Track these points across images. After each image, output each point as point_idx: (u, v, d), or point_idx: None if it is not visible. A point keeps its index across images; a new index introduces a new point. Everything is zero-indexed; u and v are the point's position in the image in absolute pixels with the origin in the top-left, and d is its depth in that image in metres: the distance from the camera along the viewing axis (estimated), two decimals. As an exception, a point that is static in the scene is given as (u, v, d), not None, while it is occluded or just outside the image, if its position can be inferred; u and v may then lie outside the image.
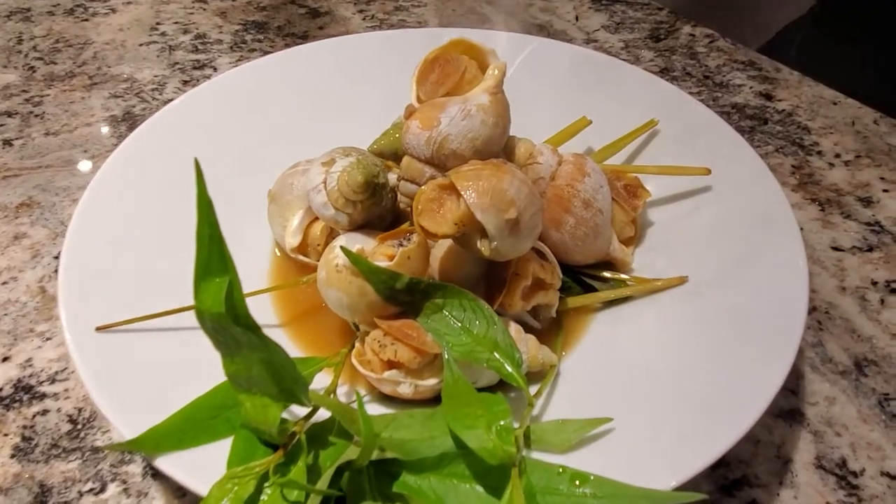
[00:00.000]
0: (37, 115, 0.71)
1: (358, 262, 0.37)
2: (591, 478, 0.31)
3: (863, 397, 0.46)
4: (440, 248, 0.43)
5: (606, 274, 0.48)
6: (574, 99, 0.57)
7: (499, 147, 0.44)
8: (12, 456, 0.42)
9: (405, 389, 0.39)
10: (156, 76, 0.77)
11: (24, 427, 0.43)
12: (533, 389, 0.40)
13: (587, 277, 0.48)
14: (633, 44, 0.84)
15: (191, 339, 0.37)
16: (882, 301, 0.53)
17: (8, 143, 0.68)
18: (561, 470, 0.31)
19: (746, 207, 0.48)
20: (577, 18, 0.90)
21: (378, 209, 0.43)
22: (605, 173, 0.49)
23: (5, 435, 0.43)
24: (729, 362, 0.39)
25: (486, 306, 0.39)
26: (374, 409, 0.40)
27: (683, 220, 0.50)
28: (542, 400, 0.40)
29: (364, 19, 0.89)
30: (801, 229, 0.59)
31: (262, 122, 0.55)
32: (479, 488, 0.30)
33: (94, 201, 0.45)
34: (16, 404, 0.45)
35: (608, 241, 0.47)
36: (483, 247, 0.37)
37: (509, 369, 0.36)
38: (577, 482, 0.30)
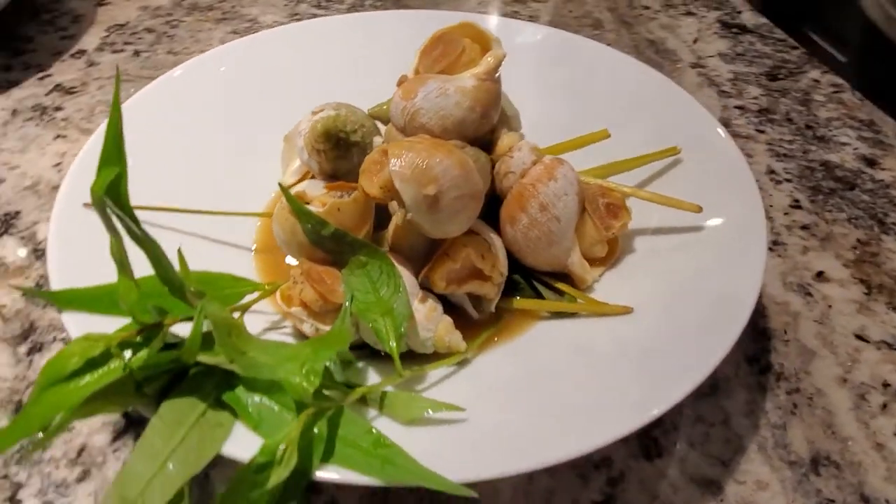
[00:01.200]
0: (168, 36, 0.82)
1: (290, 200, 0.40)
2: (392, 446, 0.31)
3: (801, 496, 0.41)
4: (399, 216, 0.45)
5: (559, 285, 0.46)
6: (592, 101, 0.55)
7: (473, 132, 0.45)
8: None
9: (307, 329, 0.41)
10: (275, 22, 0.85)
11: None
12: (442, 371, 0.41)
13: (539, 283, 0.47)
14: (744, 77, 0.78)
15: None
16: (884, 406, 0.46)
17: (137, 53, 0.79)
18: (371, 430, 0.32)
19: (723, 262, 0.44)
20: (695, 41, 0.85)
21: (347, 164, 0.45)
22: (590, 187, 0.47)
23: None
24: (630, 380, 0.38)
25: (401, 275, 0.40)
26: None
27: (661, 256, 0.47)
28: (429, 380, 0.41)
29: (479, 4, 0.91)
30: (829, 307, 0.52)
31: (304, 78, 0.59)
32: (289, 416, 0.32)
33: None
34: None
35: (566, 252, 0.45)
36: (398, 215, 0.39)
37: (387, 337, 0.37)
38: (378, 446, 0.31)
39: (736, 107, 0.74)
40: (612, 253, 0.48)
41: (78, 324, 0.37)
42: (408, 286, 0.42)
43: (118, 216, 0.31)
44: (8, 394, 0.45)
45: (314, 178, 0.48)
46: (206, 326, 0.34)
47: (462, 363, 0.43)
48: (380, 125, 0.50)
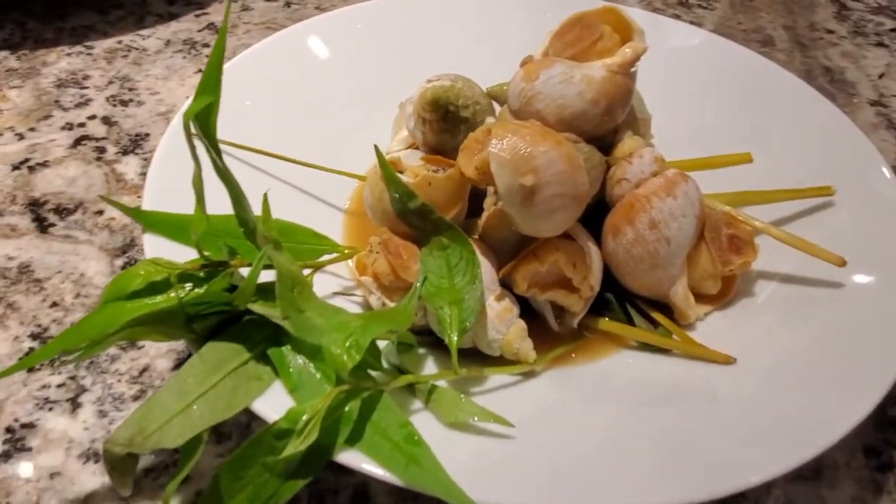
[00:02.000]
0: (319, -7, 0.84)
1: (382, 164, 0.38)
2: (421, 446, 0.28)
3: None
4: (490, 202, 0.42)
5: (656, 315, 0.41)
6: (742, 119, 0.49)
7: (592, 128, 0.40)
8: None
9: (374, 301, 0.39)
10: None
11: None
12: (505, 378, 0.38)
13: (634, 308, 0.42)
14: (931, 125, 0.67)
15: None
16: None
17: (288, 4, 0.81)
18: (406, 424, 0.30)
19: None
20: (880, 76, 0.74)
21: (452, 139, 0.43)
22: (715, 213, 0.41)
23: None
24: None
25: (480, 267, 0.37)
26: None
27: (784, 308, 0.41)
28: (489, 384, 0.38)
29: (639, 2, 0.85)
30: None
31: (434, 47, 0.57)
32: (327, 387, 0.30)
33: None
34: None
35: (670, 279, 0.40)
36: (488, 202, 0.36)
37: (447, 326, 0.34)
38: (409, 443, 0.29)
39: (916, 156, 0.63)
40: (726, 292, 0.42)
41: (156, 246, 0.37)
42: (486, 280, 0.39)
43: (204, 145, 0.31)
44: (96, 300, 0.47)
45: (418, 148, 0.46)
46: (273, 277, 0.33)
47: (529, 374, 0.40)
48: (497, 107, 0.46)
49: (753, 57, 0.55)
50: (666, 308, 0.42)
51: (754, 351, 0.39)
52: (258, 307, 0.32)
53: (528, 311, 0.42)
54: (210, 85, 0.30)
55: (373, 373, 0.32)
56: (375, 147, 0.38)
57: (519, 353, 0.39)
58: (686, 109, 0.55)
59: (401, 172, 0.40)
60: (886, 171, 0.44)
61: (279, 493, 0.28)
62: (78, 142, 0.60)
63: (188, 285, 0.32)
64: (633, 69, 0.40)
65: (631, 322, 0.42)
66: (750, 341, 0.40)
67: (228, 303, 0.32)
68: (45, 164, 0.58)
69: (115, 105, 0.64)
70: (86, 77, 0.68)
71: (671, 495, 0.30)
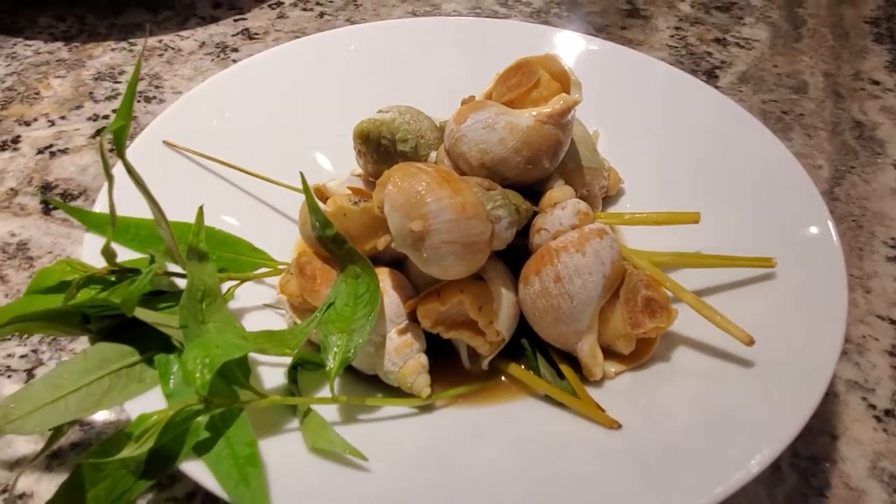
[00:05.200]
0: (355, 5, 0.87)
1: (306, 192, 0.40)
2: (255, 470, 0.30)
3: None
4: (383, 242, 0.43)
5: (564, 368, 0.41)
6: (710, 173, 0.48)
7: (516, 176, 0.41)
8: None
9: (287, 320, 0.42)
10: (454, 11, 0.86)
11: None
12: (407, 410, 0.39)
13: (545, 359, 0.42)
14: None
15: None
16: None
17: (321, 15, 0.85)
18: (252, 443, 0.32)
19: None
20: (917, 135, 0.69)
21: (386, 168, 0.44)
22: (636, 273, 0.41)
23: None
24: None
25: (381, 301, 0.39)
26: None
27: (697, 377, 0.39)
28: (382, 413, 0.39)
29: (672, 37, 0.82)
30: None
31: (417, 74, 0.58)
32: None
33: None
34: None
35: (576, 334, 0.40)
36: (382, 241, 0.37)
37: (329, 354, 0.36)
38: (247, 463, 0.31)
39: (931, 230, 0.59)
40: (640, 354, 0.41)
41: (95, 246, 0.41)
42: (392, 313, 0.40)
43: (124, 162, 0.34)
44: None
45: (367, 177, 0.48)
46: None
47: (426, 408, 0.41)
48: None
49: (734, 109, 0.53)
50: (572, 358, 0.42)
51: (653, 418, 0.38)
52: (146, 314, 0.34)
53: (448, 345, 0.43)
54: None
55: (239, 389, 0.34)
56: (301, 174, 0.40)
57: (413, 388, 0.40)
58: (661, 156, 0.53)
59: (325, 199, 0.42)
60: (835, 254, 0.41)
61: (132, 488, 0.31)
62: (98, 133, 0.66)
63: (99, 286, 0.36)
64: (564, 120, 0.40)
65: (538, 371, 0.42)
66: (652, 408, 0.39)
67: (116, 307, 0.34)
68: (64, 151, 0.64)
69: (139, 101, 0.70)
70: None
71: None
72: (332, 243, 0.40)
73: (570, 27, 0.83)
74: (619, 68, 0.57)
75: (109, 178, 0.34)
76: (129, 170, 0.34)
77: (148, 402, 0.34)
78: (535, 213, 0.42)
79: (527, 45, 0.58)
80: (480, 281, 0.40)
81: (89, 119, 0.68)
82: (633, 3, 0.88)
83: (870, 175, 0.64)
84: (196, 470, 0.31)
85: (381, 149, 0.43)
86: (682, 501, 0.32)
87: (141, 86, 0.72)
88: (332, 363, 0.36)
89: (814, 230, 0.43)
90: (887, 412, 0.46)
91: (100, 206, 0.44)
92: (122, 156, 0.33)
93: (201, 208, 0.41)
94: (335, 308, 0.39)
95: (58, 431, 0.31)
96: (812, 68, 0.78)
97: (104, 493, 0.31)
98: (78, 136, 0.66)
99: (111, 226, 0.34)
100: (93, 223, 0.41)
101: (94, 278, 0.35)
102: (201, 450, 0.31)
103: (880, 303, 0.53)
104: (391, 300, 0.40)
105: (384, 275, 0.41)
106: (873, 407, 0.46)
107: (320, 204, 0.40)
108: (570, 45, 0.61)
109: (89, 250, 0.41)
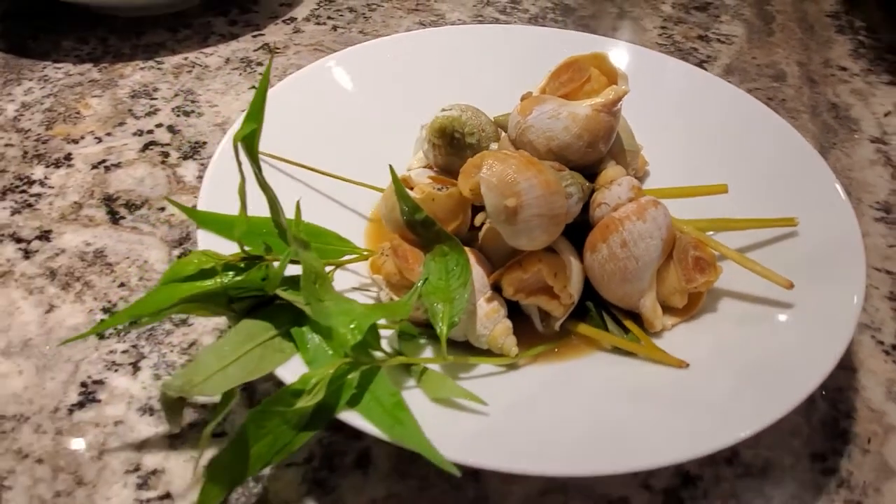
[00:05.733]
0: (365, 17, 0.92)
1: (395, 181, 0.45)
2: (406, 412, 0.35)
3: None
4: (479, 219, 0.48)
5: (628, 322, 0.47)
6: (728, 153, 0.55)
7: (577, 159, 0.47)
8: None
9: (383, 296, 0.47)
10: (458, 20, 0.92)
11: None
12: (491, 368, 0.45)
13: (609, 316, 0.48)
14: (930, 164, 0.71)
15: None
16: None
17: (335, 28, 0.90)
18: (396, 393, 0.37)
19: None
20: (886, 114, 0.78)
21: (460, 161, 0.49)
22: (684, 236, 0.47)
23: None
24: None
25: (472, 273, 0.44)
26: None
27: (742, 323, 0.46)
28: (476, 371, 0.44)
29: (660, 36, 0.90)
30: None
31: (456, 78, 0.64)
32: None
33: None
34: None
35: (639, 292, 0.46)
36: (479, 218, 0.42)
37: (439, 320, 0.41)
38: (396, 408, 0.36)
39: (907, 193, 0.67)
40: (692, 306, 0.48)
41: (207, 241, 0.45)
42: (478, 284, 0.46)
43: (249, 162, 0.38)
44: (156, 282, 0.56)
45: (431, 168, 0.53)
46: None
47: (512, 367, 0.46)
48: (503, 132, 0.53)
49: (742, 96, 0.60)
50: (639, 317, 0.48)
51: (711, 357, 0.45)
52: (285, 294, 0.39)
53: (519, 313, 0.49)
54: (254, 114, 0.38)
55: (374, 352, 0.39)
56: (390, 167, 0.45)
57: (503, 348, 0.45)
58: (680, 142, 0.60)
59: (411, 189, 0.47)
60: (848, 210, 0.49)
61: (293, 441, 0.36)
62: (146, 147, 0.70)
63: (231, 273, 0.40)
64: (615, 108, 0.46)
65: (606, 328, 0.48)
66: (708, 349, 0.46)
67: (261, 289, 0.39)
68: (118, 165, 0.67)
69: (178, 115, 0.74)
70: (155, 89, 0.77)
71: (619, 466, 0.36)
72: (422, 226, 0.46)
73: (547, 31, 0.90)
74: (638, 66, 0.64)
75: (242, 176, 0.39)
76: (259, 169, 0.39)
77: (294, 367, 0.38)
78: (593, 191, 0.48)
79: (532, 49, 0.65)
80: (553, 252, 0.46)
81: (134, 134, 0.71)
82: (620, 7, 0.96)
83: (850, 149, 0.73)
84: (352, 418, 0.36)
85: (454, 142, 0.48)
86: (743, 426, 0.38)
87: (177, 101, 0.76)
88: (443, 327, 0.41)
89: (826, 195, 0.51)
90: (894, 347, 0.53)
91: (203, 205, 0.48)
92: (255, 158, 0.38)
93: (298, 203, 0.46)
94: (430, 282, 0.44)
95: (230, 394, 0.36)
96: (787, 58, 0.87)
97: (265, 449, 0.36)
98: (127, 150, 0.69)
99: (244, 220, 0.39)
100: (202, 221, 0.46)
101: (228, 265, 0.40)
102: (354, 402, 0.36)
103: (874, 257, 0.61)
104: (477, 273, 0.46)
105: (468, 252, 0.46)
106: (881, 343, 0.54)
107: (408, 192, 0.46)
108: (579, 46, 0.67)
109: (203, 244, 0.45)
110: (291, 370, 0.38)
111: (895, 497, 0.44)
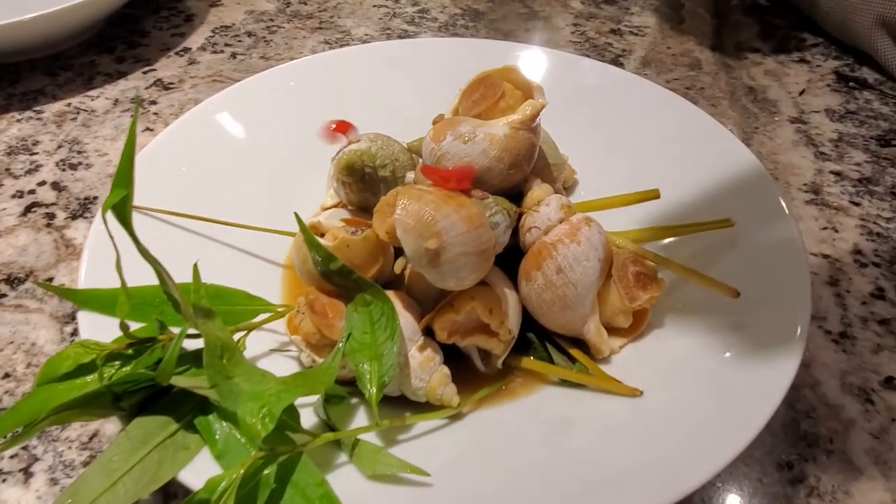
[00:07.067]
0: (265, 41, 0.86)
1: (303, 231, 0.40)
2: (335, 502, 0.31)
3: None
4: (399, 264, 0.44)
5: (574, 351, 0.44)
6: (654, 155, 0.53)
7: (500, 182, 0.43)
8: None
9: (304, 359, 0.42)
10: (366, 35, 0.87)
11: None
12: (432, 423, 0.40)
13: (553, 346, 0.45)
14: (850, 139, 0.71)
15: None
16: None
17: (234, 55, 0.84)
18: (323, 483, 0.32)
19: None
20: (801, 93, 0.78)
21: (375, 198, 0.45)
22: (621, 252, 0.44)
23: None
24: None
25: (399, 322, 0.40)
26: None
27: (691, 336, 0.43)
28: (416, 430, 0.40)
29: (573, 34, 0.88)
30: (893, 420, 0.46)
31: (366, 101, 0.60)
32: (251, 451, 0.32)
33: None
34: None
35: (581, 318, 0.43)
36: (398, 265, 0.38)
37: (367, 382, 0.37)
38: (324, 500, 0.31)
39: (833, 172, 0.67)
40: (637, 324, 0.45)
41: (91, 322, 0.39)
42: (408, 332, 0.41)
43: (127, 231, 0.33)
44: (47, 369, 0.49)
45: (346, 206, 0.49)
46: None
47: (455, 417, 0.42)
48: (419, 159, 0.49)
49: (663, 93, 0.58)
50: (584, 343, 0.45)
51: (664, 378, 0.42)
52: (182, 380, 0.34)
53: (456, 354, 0.45)
54: (123, 179, 0.33)
55: (293, 435, 0.34)
56: (296, 215, 0.41)
57: (443, 399, 0.41)
58: (606, 146, 0.58)
59: (322, 235, 0.42)
60: (784, 207, 0.47)
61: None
62: (28, 209, 0.62)
63: (116, 363, 0.34)
64: (534, 124, 0.43)
65: (551, 359, 0.44)
66: (660, 370, 0.43)
67: (152, 379, 0.34)
68: (-4, 235, 0.60)
69: (64, 169, 0.66)
70: (35, 143, 0.70)
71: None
72: (338, 276, 0.41)
73: (479, 36, 0.87)
74: (553, 71, 0.61)
75: (117, 251, 0.33)
76: (136, 240, 0.33)
77: (201, 467, 0.33)
78: (520, 214, 0.44)
79: (444, 62, 0.61)
80: (486, 286, 0.42)
81: (13, 196, 0.64)
82: (529, 7, 0.94)
83: (772, 132, 0.72)
84: (274, 522, 0.31)
85: (365, 177, 0.44)
86: (707, 463, 0.35)
87: (61, 153, 0.68)
88: (372, 389, 0.37)
89: (757, 190, 0.49)
90: (841, 334, 0.52)
91: (85, 282, 0.42)
92: (129, 227, 0.33)
93: (196, 266, 0.40)
94: (354, 338, 0.40)
95: (123, 515, 0.30)
96: (700, 45, 0.86)
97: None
98: (6, 216, 0.62)
99: (126, 301, 0.34)
100: (83, 300, 0.40)
101: (112, 354, 0.34)
102: (273, 501, 0.31)
103: (809, 241, 0.60)
104: (405, 320, 0.41)
105: (393, 297, 0.42)
106: (829, 332, 0.52)
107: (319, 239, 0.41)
108: (492, 54, 0.64)
109: (86, 328, 0.39)
110: (197, 471, 0.32)
111: (865, 497, 0.43)
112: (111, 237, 0.33)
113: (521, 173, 0.44)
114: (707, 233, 0.48)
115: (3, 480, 0.43)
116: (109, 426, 0.46)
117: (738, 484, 0.43)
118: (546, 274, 0.41)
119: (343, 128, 0.45)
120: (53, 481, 0.43)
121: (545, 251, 0.42)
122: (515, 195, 0.45)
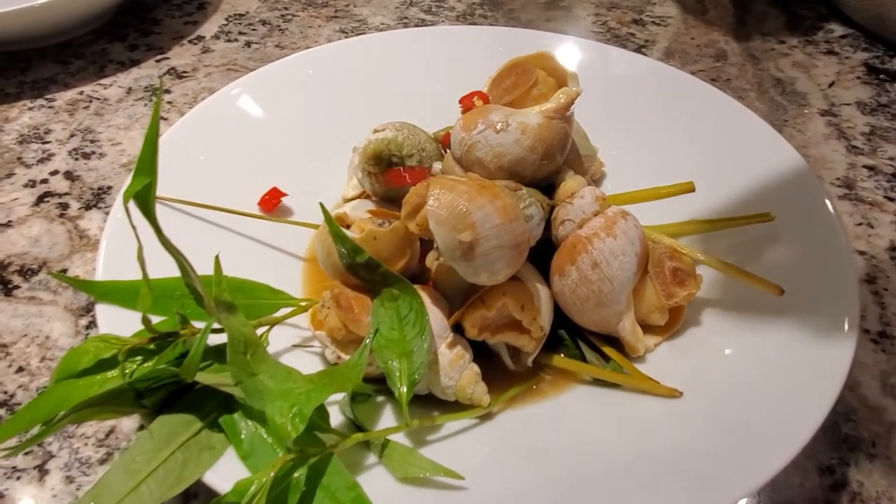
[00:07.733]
0: (280, 30, 0.85)
1: (329, 222, 0.39)
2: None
3: None
4: (431, 257, 0.43)
5: (607, 349, 0.42)
6: (688, 147, 0.51)
7: (532, 173, 0.41)
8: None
9: (329, 355, 0.40)
10: (382, 24, 0.86)
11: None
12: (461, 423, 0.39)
13: (586, 343, 0.43)
14: (882, 132, 0.69)
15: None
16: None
17: (248, 44, 0.82)
18: (354, 486, 0.31)
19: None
20: (830, 85, 0.76)
21: (401, 188, 0.44)
22: (658, 247, 0.43)
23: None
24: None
25: (428, 318, 0.38)
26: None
27: (730, 336, 0.42)
28: (445, 430, 0.38)
29: (594, 24, 0.86)
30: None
31: (388, 89, 0.58)
32: (279, 451, 0.31)
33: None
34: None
35: (616, 315, 0.41)
36: (430, 258, 0.37)
37: (397, 381, 0.35)
38: (356, 505, 0.30)
39: (866, 166, 0.65)
40: (673, 322, 0.43)
41: (109, 315, 0.38)
42: (437, 328, 0.40)
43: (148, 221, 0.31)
44: (61, 363, 0.48)
45: (369, 197, 0.47)
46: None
47: (485, 417, 0.41)
48: (447, 150, 0.47)
49: (695, 83, 0.56)
50: (618, 341, 0.43)
51: (703, 379, 0.40)
52: (207, 377, 0.32)
53: (485, 351, 0.43)
54: (145, 166, 0.31)
55: (322, 435, 0.33)
56: (321, 205, 0.39)
57: (473, 398, 0.39)
58: (637, 138, 0.56)
59: (347, 227, 0.41)
60: (827, 203, 0.45)
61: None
62: (41, 199, 0.61)
63: (138, 359, 0.33)
64: (568, 113, 0.41)
65: (583, 357, 0.43)
66: (698, 369, 0.41)
67: (176, 375, 0.32)
68: (8, 225, 0.58)
69: (77, 158, 0.65)
70: (48, 131, 0.68)
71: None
72: (365, 269, 0.39)
73: (498, 25, 0.85)
74: (582, 60, 0.59)
75: (139, 242, 0.32)
76: (158, 230, 0.32)
77: (226, 468, 0.31)
78: (552, 207, 0.43)
79: (466, 50, 0.59)
80: (518, 281, 0.41)
81: (26, 186, 0.62)
82: (551, -4, 0.92)
83: (802, 125, 0.70)
84: (306, 526, 0.30)
85: (391, 167, 0.42)
86: (769, 459, 0.33)
87: (74, 142, 0.67)
88: (403, 388, 0.35)
89: (796, 183, 0.47)
90: (881, 334, 0.50)
91: (103, 273, 0.41)
92: (151, 217, 0.31)
93: (217, 258, 0.39)
94: (381, 334, 0.38)
95: (147, 519, 0.29)
96: (725, 36, 0.84)
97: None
98: (18, 206, 0.60)
99: (148, 293, 0.32)
100: (101, 293, 0.38)
101: (134, 349, 0.33)
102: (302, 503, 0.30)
103: (845, 238, 0.58)
104: (434, 316, 0.40)
105: (421, 292, 0.40)
106: (868, 331, 0.50)
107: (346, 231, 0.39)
108: (515, 43, 0.62)
109: (104, 322, 0.38)
110: (224, 474, 0.31)
111: (909, 503, 0.41)
112: (133, 227, 0.32)
113: (554, 164, 0.42)
114: (744, 228, 0.46)
115: (18, 478, 0.41)
116: (126, 422, 0.44)
117: (778, 489, 0.41)
118: (581, 269, 0.40)
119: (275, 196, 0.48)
120: (69, 479, 0.41)
121: (580, 245, 0.40)
122: (546, 187, 0.44)
